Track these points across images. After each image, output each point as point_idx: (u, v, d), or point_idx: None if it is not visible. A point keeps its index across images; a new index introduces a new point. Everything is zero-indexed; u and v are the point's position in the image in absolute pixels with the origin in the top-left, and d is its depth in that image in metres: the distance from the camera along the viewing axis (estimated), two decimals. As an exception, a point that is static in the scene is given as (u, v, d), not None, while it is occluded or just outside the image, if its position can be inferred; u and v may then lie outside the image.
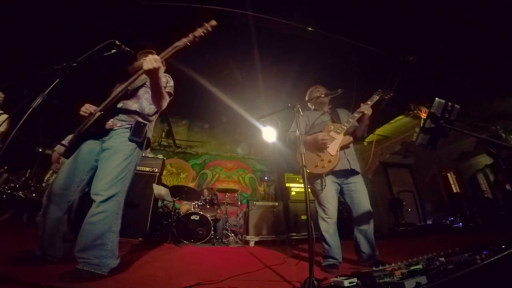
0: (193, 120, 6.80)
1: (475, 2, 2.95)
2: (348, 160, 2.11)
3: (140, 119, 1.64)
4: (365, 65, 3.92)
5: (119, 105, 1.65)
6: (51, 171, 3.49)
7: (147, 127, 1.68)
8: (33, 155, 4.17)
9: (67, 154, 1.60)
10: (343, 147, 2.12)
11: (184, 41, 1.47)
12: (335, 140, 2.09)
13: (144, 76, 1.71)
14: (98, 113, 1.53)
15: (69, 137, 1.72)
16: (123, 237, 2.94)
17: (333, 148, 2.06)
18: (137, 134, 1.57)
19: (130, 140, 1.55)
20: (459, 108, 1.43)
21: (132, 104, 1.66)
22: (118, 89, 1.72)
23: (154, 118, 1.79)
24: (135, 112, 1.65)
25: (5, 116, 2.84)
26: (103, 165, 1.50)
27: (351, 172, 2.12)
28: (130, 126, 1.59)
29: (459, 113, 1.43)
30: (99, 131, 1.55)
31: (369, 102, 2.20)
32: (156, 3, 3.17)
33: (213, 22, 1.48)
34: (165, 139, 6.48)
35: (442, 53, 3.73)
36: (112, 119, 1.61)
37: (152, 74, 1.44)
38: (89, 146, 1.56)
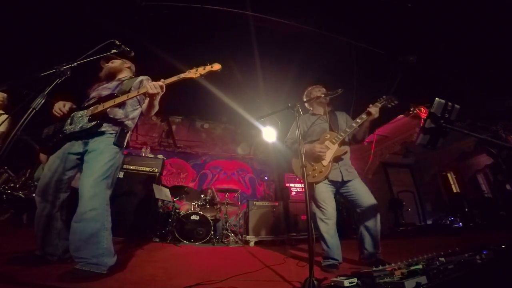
0: (193, 120, 6.79)
1: (475, 2, 2.95)
2: (341, 172, 2.09)
3: (125, 125, 1.76)
4: (365, 65, 3.92)
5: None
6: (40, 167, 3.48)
7: (129, 133, 1.80)
8: (33, 155, 4.17)
9: (50, 151, 1.67)
10: (336, 158, 2.11)
11: (190, 75, 1.62)
12: (329, 151, 2.09)
13: (129, 80, 1.90)
14: (95, 122, 1.60)
15: (47, 131, 1.76)
16: (123, 236, 2.96)
17: (326, 158, 2.07)
18: (121, 140, 1.69)
19: (114, 144, 1.66)
20: (459, 108, 1.43)
21: (118, 110, 1.75)
22: (103, 92, 1.80)
23: (135, 122, 1.89)
24: (122, 119, 1.75)
25: (5, 116, 2.84)
26: (90, 164, 1.57)
27: (345, 182, 2.11)
28: (115, 132, 1.69)
29: (459, 113, 1.43)
30: (87, 135, 1.63)
31: (378, 104, 2.16)
32: (156, 3, 3.16)
33: (218, 66, 1.63)
34: (165, 139, 6.48)
35: (442, 53, 3.73)
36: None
37: (153, 96, 1.64)
38: (73, 146, 1.63)
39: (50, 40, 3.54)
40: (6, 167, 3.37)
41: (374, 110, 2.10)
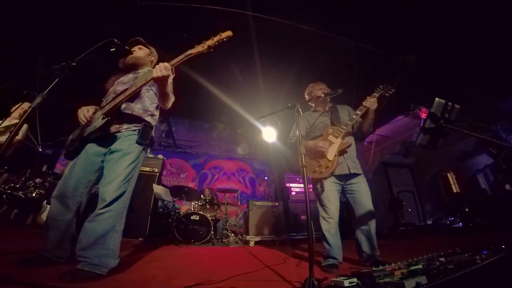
0: (193, 120, 6.80)
1: (475, 2, 2.95)
2: (347, 165, 2.10)
3: (146, 121, 1.64)
4: (365, 65, 3.92)
5: (123, 106, 1.62)
6: None
7: (153, 129, 1.70)
8: (33, 155, 4.17)
9: (70, 156, 1.61)
10: (341, 152, 2.11)
11: (197, 49, 1.45)
12: (333, 145, 2.08)
13: (145, 73, 1.74)
14: (105, 119, 1.51)
15: (72, 137, 1.70)
16: (123, 237, 2.95)
17: (331, 153, 2.06)
18: (145, 137, 1.59)
19: (137, 142, 1.57)
20: (459, 108, 1.43)
21: (135, 106, 1.64)
22: (118, 87, 1.71)
23: (157, 115, 1.78)
24: (140, 114, 1.64)
25: (24, 125, 2.80)
26: (112, 167, 1.51)
27: (352, 175, 2.11)
28: (137, 128, 1.60)
29: (459, 113, 1.43)
30: (106, 135, 1.55)
31: (375, 94, 2.16)
32: (156, 3, 3.17)
33: (229, 33, 1.44)
34: (165, 139, 6.48)
35: (442, 53, 3.73)
36: (118, 123, 1.59)
37: (161, 81, 1.49)
38: (95, 147, 1.57)
39: (50, 40, 3.54)
40: (6, 167, 3.37)
41: (370, 102, 2.11)
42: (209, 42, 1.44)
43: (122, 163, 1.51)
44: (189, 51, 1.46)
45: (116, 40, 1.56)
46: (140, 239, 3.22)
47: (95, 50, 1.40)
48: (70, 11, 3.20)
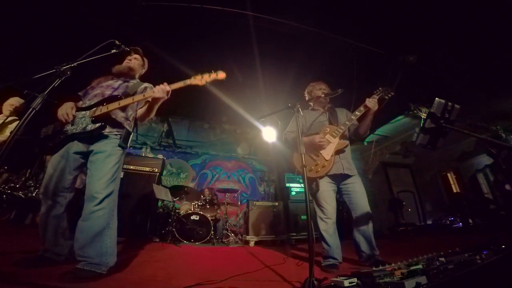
0: (193, 120, 6.79)
1: (475, 2, 2.94)
2: (342, 165, 2.10)
3: (126, 128, 1.75)
4: (365, 65, 3.92)
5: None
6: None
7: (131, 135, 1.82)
8: (33, 155, 4.17)
9: (50, 151, 1.66)
10: (338, 151, 2.11)
11: (196, 81, 1.63)
12: (330, 144, 2.09)
13: (135, 83, 1.88)
14: (99, 124, 1.58)
15: (45, 130, 1.74)
16: (123, 236, 2.96)
17: (328, 152, 2.06)
18: (126, 142, 1.72)
19: (119, 145, 1.67)
20: (459, 108, 1.43)
21: (120, 113, 1.74)
22: (107, 91, 1.77)
23: (133, 124, 1.88)
24: (122, 121, 1.74)
25: (17, 122, 2.79)
26: (100, 166, 1.56)
27: (346, 176, 2.11)
28: (119, 134, 1.69)
29: (459, 113, 1.43)
30: (90, 137, 1.61)
31: (375, 96, 2.15)
32: (156, 3, 3.16)
33: (223, 76, 1.67)
34: (165, 139, 6.48)
35: (442, 53, 3.73)
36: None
37: (158, 101, 1.67)
38: (76, 146, 1.62)
39: (50, 40, 3.54)
40: (6, 167, 3.37)
41: (371, 103, 2.09)
42: (207, 78, 1.64)
43: (109, 162, 1.59)
44: (188, 81, 1.64)
45: (117, 41, 1.57)
46: (139, 239, 3.22)
47: (96, 52, 1.41)
48: (70, 11, 3.20)
